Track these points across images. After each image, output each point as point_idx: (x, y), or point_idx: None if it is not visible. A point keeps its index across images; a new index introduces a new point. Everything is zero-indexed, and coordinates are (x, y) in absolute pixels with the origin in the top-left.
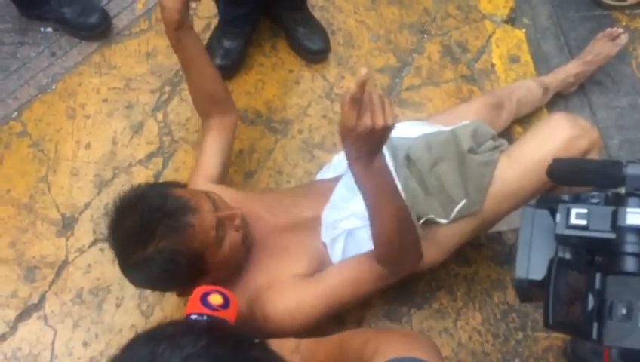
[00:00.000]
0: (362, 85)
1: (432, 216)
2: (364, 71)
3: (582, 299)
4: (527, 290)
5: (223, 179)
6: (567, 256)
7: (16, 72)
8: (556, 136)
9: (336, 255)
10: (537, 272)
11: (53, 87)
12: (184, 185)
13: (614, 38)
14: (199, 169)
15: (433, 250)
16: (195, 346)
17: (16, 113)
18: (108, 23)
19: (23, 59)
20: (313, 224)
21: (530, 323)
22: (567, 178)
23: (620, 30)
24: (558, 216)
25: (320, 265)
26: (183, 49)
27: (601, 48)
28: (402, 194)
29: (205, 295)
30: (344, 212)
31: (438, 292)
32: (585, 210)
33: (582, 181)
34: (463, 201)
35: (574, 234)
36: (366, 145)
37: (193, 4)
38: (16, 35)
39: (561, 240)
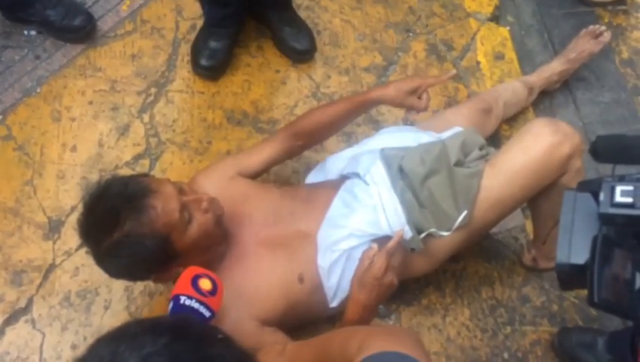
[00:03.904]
0: (399, 242)
1: (433, 229)
2: (401, 232)
3: (628, 278)
4: (569, 276)
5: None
6: (612, 236)
7: (0, 76)
8: (538, 144)
9: (332, 278)
10: (579, 256)
11: (38, 90)
12: (150, 176)
13: (597, 36)
14: (238, 158)
15: (424, 261)
16: (156, 344)
17: (0, 117)
18: (92, 25)
19: (7, 62)
20: (303, 243)
21: (518, 317)
22: (611, 155)
23: (603, 28)
24: (602, 195)
25: (285, 305)
26: (363, 111)
27: (583, 46)
28: (399, 206)
29: (196, 278)
30: (343, 231)
31: (426, 289)
32: (631, 188)
33: (628, 158)
34: (465, 212)
35: (619, 213)
36: (379, 296)
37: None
38: (0, 39)
39: (606, 219)
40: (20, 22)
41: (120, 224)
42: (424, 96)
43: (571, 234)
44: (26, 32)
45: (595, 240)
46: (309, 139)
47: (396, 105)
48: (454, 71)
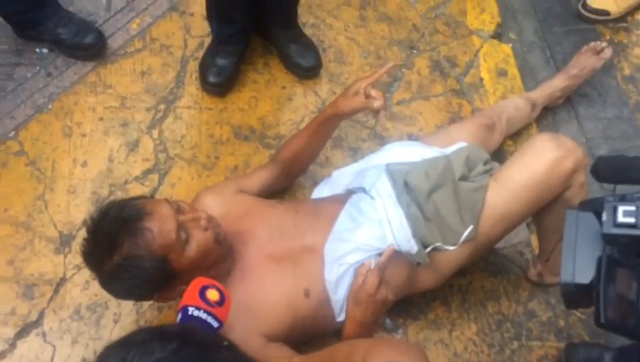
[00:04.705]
0: (390, 257)
1: (439, 243)
2: (392, 248)
3: (633, 298)
4: (574, 295)
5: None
6: (616, 256)
7: (12, 93)
8: (541, 159)
9: (339, 292)
10: (584, 276)
11: (50, 107)
12: (148, 197)
13: (598, 52)
14: (237, 180)
15: (431, 276)
16: (165, 350)
17: (13, 133)
18: (103, 43)
19: (19, 79)
20: (308, 257)
21: (525, 332)
22: (612, 176)
23: (604, 44)
24: (605, 215)
25: (292, 320)
26: (328, 130)
27: (585, 62)
28: (405, 220)
29: (204, 289)
30: (349, 245)
31: (432, 303)
32: (633, 208)
33: (628, 179)
34: (471, 227)
35: (622, 233)
36: (375, 312)
37: (383, 112)
38: (13, 56)
39: (609, 239)
40: (32, 40)
41: (118, 247)
42: (373, 93)
43: (575, 253)
44: (37, 50)
45: (599, 260)
46: (292, 167)
47: (353, 112)
48: (392, 63)
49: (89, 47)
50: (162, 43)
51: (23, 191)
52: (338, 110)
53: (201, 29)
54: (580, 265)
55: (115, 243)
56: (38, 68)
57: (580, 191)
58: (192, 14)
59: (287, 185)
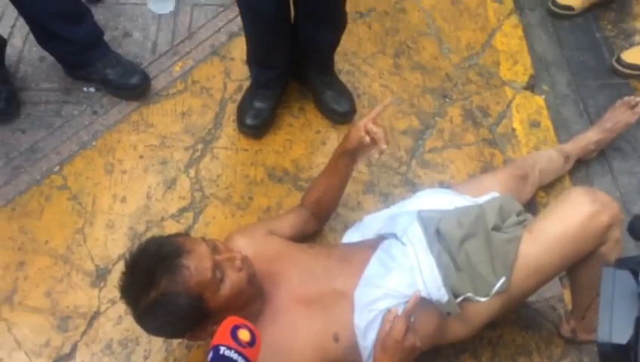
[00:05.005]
0: (417, 304)
1: (470, 294)
2: (418, 294)
3: None
4: (611, 355)
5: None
6: None
7: (59, 129)
8: (576, 213)
9: (369, 338)
10: (621, 336)
11: (94, 144)
12: (186, 235)
13: (633, 107)
14: (268, 222)
15: (460, 327)
16: None
17: (58, 167)
18: (147, 84)
19: (66, 116)
20: (339, 302)
21: None
22: None
23: (638, 99)
24: None
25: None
26: (342, 169)
27: (619, 116)
28: (436, 268)
29: (235, 328)
30: (379, 291)
31: (462, 355)
32: None
33: None
34: (503, 278)
35: None
36: (402, 359)
37: (383, 146)
38: (61, 95)
39: None
40: (80, 79)
41: (156, 283)
42: (374, 128)
43: (612, 312)
44: (85, 89)
45: (637, 320)
46: (318, 209)
47: (356, 148)
48: (390, 99)
49: (134, 87)
50: (203, 85)
51: (64, 225)
52: (343, 147)
53: (240, 73)
54: (617, 324)
55: (152, 279)
56: (84, 106)
57: (615, 246)
58: (232, 59)
59: (317, 228)
